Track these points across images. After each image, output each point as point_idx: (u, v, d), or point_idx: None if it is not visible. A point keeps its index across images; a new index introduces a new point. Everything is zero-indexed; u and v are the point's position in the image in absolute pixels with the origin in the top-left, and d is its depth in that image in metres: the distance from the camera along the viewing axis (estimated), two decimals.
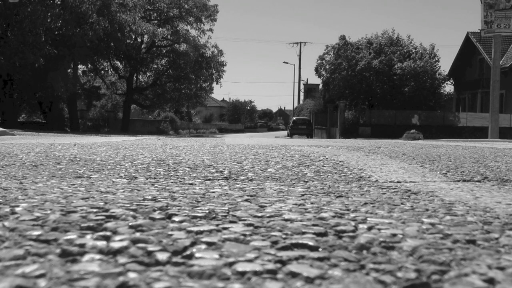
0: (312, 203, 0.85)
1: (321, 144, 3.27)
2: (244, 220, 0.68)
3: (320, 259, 0.51)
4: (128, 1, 20.41)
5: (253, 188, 1.04)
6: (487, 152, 2.45)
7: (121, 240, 0.55)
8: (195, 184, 1.09)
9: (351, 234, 0.61)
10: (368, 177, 1.31)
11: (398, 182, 1.22)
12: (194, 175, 1.28)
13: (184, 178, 1.20)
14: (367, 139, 12.45)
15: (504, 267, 0.49)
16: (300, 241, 0.57)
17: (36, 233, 0.58)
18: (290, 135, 29.33)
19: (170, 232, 0.60)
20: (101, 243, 0.54)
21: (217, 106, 71.40)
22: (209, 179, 1.20)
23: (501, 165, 1.73)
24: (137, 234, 0.58)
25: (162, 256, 0.50)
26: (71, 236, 0.57)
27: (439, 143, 3.91)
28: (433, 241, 0.58)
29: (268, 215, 0.73)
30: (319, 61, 31.04)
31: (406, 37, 31.47)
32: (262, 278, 0.44)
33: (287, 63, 54.60)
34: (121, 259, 0.49)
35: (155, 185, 1.06)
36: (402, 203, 0.87)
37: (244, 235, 0.59)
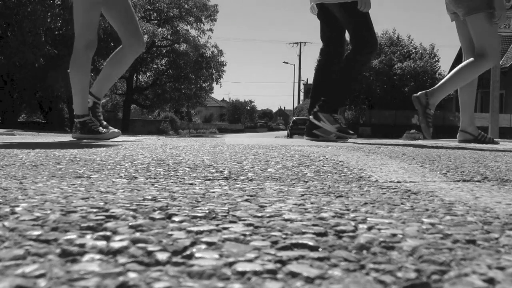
0: (312, 203, 0.85)
1: (321, 144, 3.27)
2: (244, 220, 0.68)
3: (320, 259, 0.51)
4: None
5: (253, 188, 1.04)
6: (487, 152, 2.45)
7: (121, 240, 0.55)
8: (195, 184, 1.09)
9: (351, 234, 0.61)
10: (368, 177, 1.31)
11: (398, 182, 1.22)
12: (194, 175, 1.28)
13: (184, 178, 1.20)
14: (367, 139, 12.45)
15: (504, 267, 0.49)
16: (300, 241, 0.57)
17: (36, 233, 0.58)
18: (290, 135, 29.35)
19: (170, 232, 0.60)
20: (101, 243, 0.54)
21: (217, 106, 71.44)
22: (209, 179, 1.19)
23: (501, 165, 1.73)
24: (137, 234, 0.58)
25: (162, 256, 0.50)
26: (71, 236, 0.57)
27: (439, 143, 3.91)
28: (433, 241, 0.58)
29: (268, 215, 0.73)
30: None
31: (407, 37, 31.42)
32: (262, 278, 0.44)
33: (287, 63, 54.64)
34: (121, 259, 0.49)
35: (155, 185, 1.06)
36: (402, 203, 0.87)
37: (244, 235, 0.59)
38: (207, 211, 0.74)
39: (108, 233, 0.59)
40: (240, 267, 0.47)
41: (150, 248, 0.53)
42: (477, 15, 3.59)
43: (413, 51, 28.42)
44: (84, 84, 3.42)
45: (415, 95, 3.84)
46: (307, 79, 57.49)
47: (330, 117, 3.77)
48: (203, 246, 0.54)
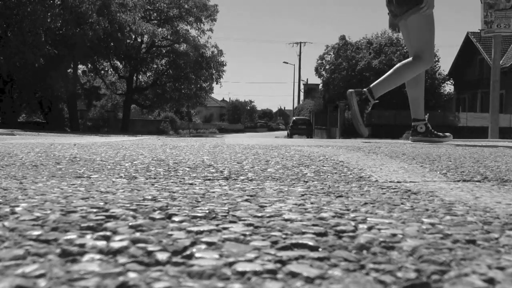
0: (312, 203, 0.85)
1: (321, 144, 3.27)
2: (244, 220, 0.68)
3: (320, 259, 0.51)
4: (128, 1, 20.39)
5: (253, 188, 1.04)
6: (487, 152, 2.45)
7: (121, 240, 0.55)
8: (195, 184, 1.09)
9: (351, 234, 0.61)
10: (368, 177, 1.31)
11: (398, 182, 1.22)
12: (194, 175, 1.28)
13: (184, 178, 1.20)
14: (367, 139, 12.43)
15: (504, 267, 0.49)
16: (300, 241, 0.57)
17: (36, 233, 0.58)
18: (290, 135, 29.35)
19: (170, 232, 0.60)
20: (101, 243, 0.54)
21: (217, 106, 71.42)
22: (209, 179, 1.20)
23: (501, 165, 1.73)
24: (137, 234, 0.58)
25: (162, 256, 0.50)
26: (71, 236, 0.57)
27: (439, 143, 3.91)
28: (433, 241, 0.58)
29: (268, 215, 0.73)
30: (319, 61, 31.00)
31: None
32: (262, 278, 0.44)
33: (287, 63, 54.66)
34: (121, 259, 0.49)
35: (155, 185, 1.06)
36: (402, 203, 0.87)
37: (244, 235, 0.59)
38: (207, 211, 0.74)
39: (108, 233, 0.59)
40: (240, 267, 0.47)
41: (150, 248, 0.53)
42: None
43: None
44: (421, 93, 3.99)
45: None
46: (307, 79, 57.53)
47: None
48: (203, 246, 0.54)
